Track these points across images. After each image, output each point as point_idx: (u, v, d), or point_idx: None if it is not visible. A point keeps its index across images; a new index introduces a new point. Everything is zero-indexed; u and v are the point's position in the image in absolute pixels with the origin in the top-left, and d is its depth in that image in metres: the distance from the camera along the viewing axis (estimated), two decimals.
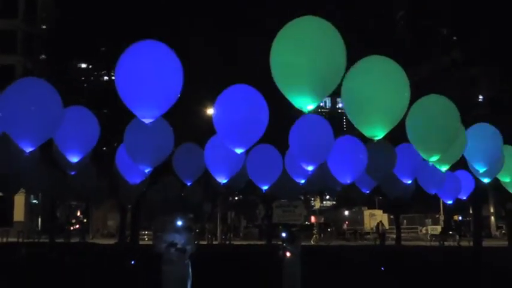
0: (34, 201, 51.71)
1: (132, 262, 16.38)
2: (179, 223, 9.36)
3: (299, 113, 9.36)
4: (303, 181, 11.29)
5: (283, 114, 7.22)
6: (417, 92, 10.20)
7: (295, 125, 9.72)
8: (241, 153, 9.09)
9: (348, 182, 10.52)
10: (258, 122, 8.73)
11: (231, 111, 8.77)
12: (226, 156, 9.69)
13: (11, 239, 34.26)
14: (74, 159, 9.94)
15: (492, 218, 60.34)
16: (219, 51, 27.28)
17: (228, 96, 9.00)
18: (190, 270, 9.37)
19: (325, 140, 9.54)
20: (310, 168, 9.54)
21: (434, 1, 32.12)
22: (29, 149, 8.80)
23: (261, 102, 8.83)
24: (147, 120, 7.85)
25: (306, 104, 6.62)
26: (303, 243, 12.69)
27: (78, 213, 55.59)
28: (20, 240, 34.04)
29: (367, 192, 12.40)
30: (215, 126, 8.97)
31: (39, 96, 8.93)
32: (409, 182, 11.29)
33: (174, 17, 26.04)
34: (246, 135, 8.71)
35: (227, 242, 42.19)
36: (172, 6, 26.58)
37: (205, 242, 38.99)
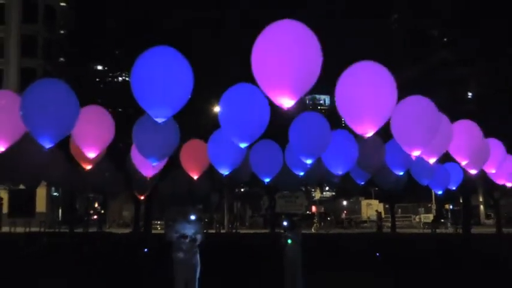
0: (55, 193, 52.00)
1: (146, 250, 16.47)
2: (192, 217, 9.44)
3: (298, 110, 9.45)
4: (302, 173, 11.33)
5: (282, 112, 7.23)
6: (409, 90, 10.24)
7: (295, 121, 9.76)
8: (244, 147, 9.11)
9: (340, 173, 10.56)
10: (260, 119, 8.75)
11: (235, 108, 8.80)
12: (228, 150, 9.72)
13: (33, 229, 34.32)
14: (91, 154, 10.00)
15: (481, 206, 60.33)
16: (223, 51, 27.10)
17: (232, 94, 9.03)
18: (199, 257, 9.43)
19: (322, 136, 9.59)
20: (309, 161, 9.59)
21: (426, 5, 32.01)
22: (48, 145, 8.85)
23: (262, 100, 8.86)
24: (160, 120, 7.93)
25: (286, 101, 6.66)
26: (304, 232, 12.73)
27: (96, 205, 55.75)
28: (42, 230, 34.07)
29: (362, 183, 12.43)
30: (220, 123, 8.99)
31: (56, 96, 8.98)
32: (401, 173, 11.31)
33: (180, 20, 25.94)
34: (249, 131, 8.74)
35: (234, 231, 42.28)
36: (177, 10, 26.53)
37: (213, 231, 39.10)
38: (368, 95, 7.73)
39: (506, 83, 27.50)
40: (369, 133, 7.82)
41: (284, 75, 6.62)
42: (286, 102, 6.69)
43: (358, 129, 7.91)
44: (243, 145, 8.85)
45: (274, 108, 8.57)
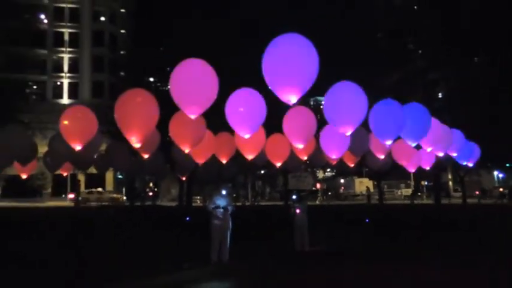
0: (119, 176, 52.73)
1: (188, 218, 16.67)
2: (223, 192, 9.60)
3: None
4: (305, 158, 11.37)
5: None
6: (390, 93, 10.23)
7: (287, 114, 9.79)
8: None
9: (334, 157, 10.56)
10: (258, 113, 8.81)
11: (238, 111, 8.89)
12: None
13: (104, 203, 35.03)
14: (137, 145, 10.14)
15: (450, 182, 59.48)
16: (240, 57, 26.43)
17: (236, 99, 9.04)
18: (230, 223, 9.56)
19: (310, 125, 9.73)
20: (300, 146, 9.71)
21: (405, 24, 31.56)
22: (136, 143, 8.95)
23: (260, 102, 8.90)
24: (193, 116, 8.01)
25: (292, 98, 6.73)
26: (310, 204, 12.75)
27: (151, 184, 56.34)
28: (110, 204, 34.75)
29: (352, 165, 12.39)
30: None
31: (145, 103, 9.13)
32: (382, 157, 11.22)
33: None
34: (252, 125, 8.82)
35: (256, 204, 42.42)
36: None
37: (239, 204, 39.26)
38: (346, 106, 8.04)
39: (467, 85, 27.11)
40: (348, 132, 8.06)
41: (292, 78, 6.68)
42: (293, 99, 6.74)
43: (341, 130, 8.15)
44: (246, 136, 8.90)
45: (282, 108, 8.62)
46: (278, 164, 11.17)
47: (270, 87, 6.94)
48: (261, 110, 8.75)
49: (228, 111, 8.86)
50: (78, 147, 9.55)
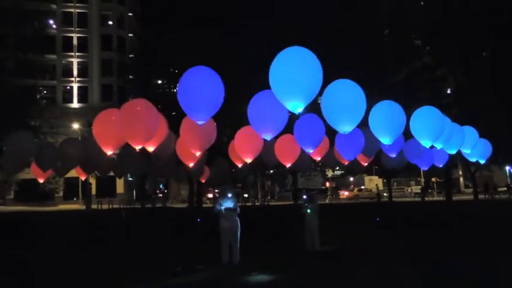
0: (130, 178, 52.97)
1: (199, 219, 16.69)
2: (229, 194, 9.56)
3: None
4: (319, 158, 11.34)
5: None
6: (398, 90, 10.12)
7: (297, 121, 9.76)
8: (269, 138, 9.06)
9: (351, 159, 10.50)
10: (280, 119, 8.74)
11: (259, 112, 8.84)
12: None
13: (115, 206, 35.21)
14: (151, 148, 10.16)
15: (461, 179, 58.97)
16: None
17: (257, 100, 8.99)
18: (239, 223, 9.52)
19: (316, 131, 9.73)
20: (310, 150, 9.69)
21: (411, 21, 31.18)
22: (138, 147, 9.04)
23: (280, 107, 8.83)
24: (200, 122, 7.99)
25: (297, 107, 6.82)
26: (320, 202, 12.64)
27: (161, 186, 56.57)
28: (121, 206, 34.87)
29: (365, 165, 12.28)
30: (250, 121, 8.99)
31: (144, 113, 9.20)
32: (394, 156, 11.08)
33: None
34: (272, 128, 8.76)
35: (265, 203, 42.41)
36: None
37: (250, 204, 39.30)
38: (343, 105, 7.96)
39: (477, 79, 26.75)
40: (348, 131, 7.91)
41: (297, 89, 6.83)
42: (298, 109, 6.88)
43: (340, 130, 7.99)
44: (267, 137, 8.83)
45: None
46: (288, 165, 11.10)
47: (277, 97, 7.07)
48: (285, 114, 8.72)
49: (250, 113, 8.82)
50: (109, 152, 9.73)
